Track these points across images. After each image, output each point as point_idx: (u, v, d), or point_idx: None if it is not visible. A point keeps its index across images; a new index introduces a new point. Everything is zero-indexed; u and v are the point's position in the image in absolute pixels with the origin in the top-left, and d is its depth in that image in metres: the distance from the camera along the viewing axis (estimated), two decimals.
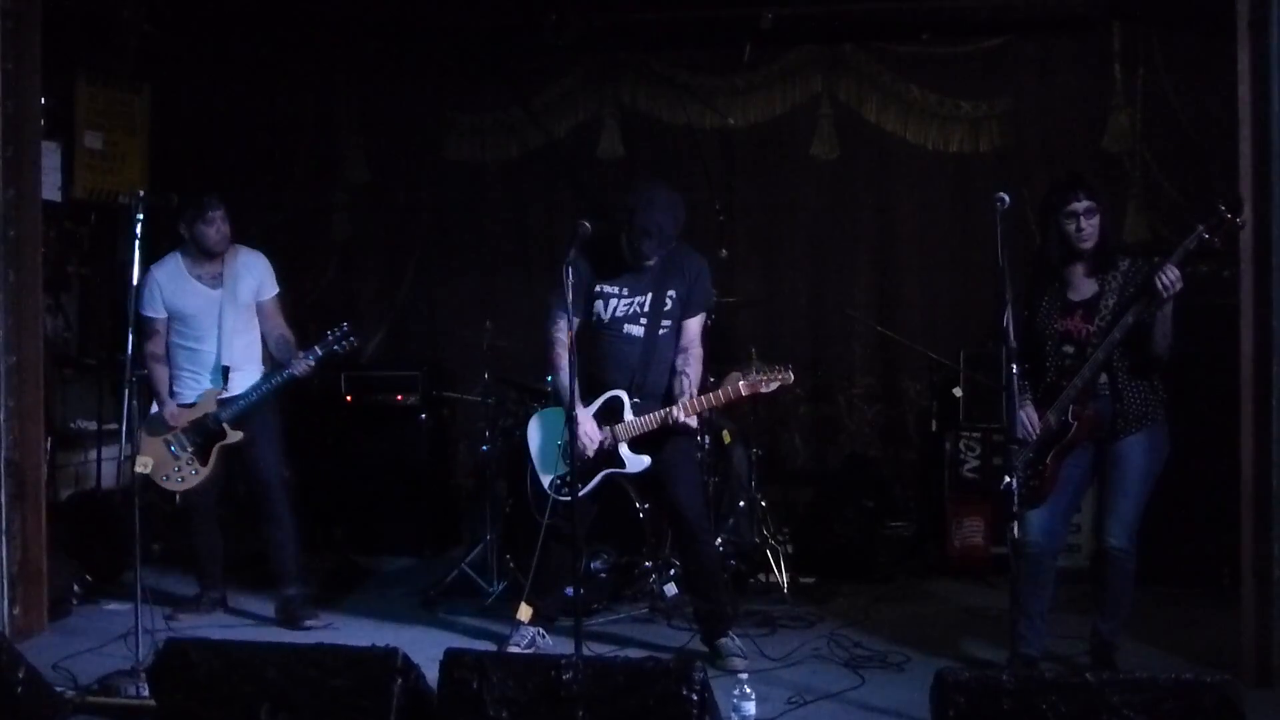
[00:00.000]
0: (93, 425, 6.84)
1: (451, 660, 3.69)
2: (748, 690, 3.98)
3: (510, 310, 6.76)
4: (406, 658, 3.70)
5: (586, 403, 4.83)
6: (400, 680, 3.62)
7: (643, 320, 4.86)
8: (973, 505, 6.45)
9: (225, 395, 5.49)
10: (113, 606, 5.77)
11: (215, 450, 5.48)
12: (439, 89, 7.69)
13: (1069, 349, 4.50)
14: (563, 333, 4.72)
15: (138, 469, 4.83)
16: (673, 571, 5.67)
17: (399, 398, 7.07)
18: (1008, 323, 4.15)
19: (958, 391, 6.55)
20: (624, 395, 4.85)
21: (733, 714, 3.91)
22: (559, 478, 4.89)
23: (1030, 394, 4.55)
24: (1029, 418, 4.49)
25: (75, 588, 5.76)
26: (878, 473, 6.99)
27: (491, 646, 5.06)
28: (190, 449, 5.48)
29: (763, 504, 6.24)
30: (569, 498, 4.63)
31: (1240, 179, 4.57)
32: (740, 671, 4.47)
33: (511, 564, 5.70)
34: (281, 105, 7.66)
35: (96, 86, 6.99)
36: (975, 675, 3.57)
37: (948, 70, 7.20)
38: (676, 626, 5.45)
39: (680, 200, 4.82)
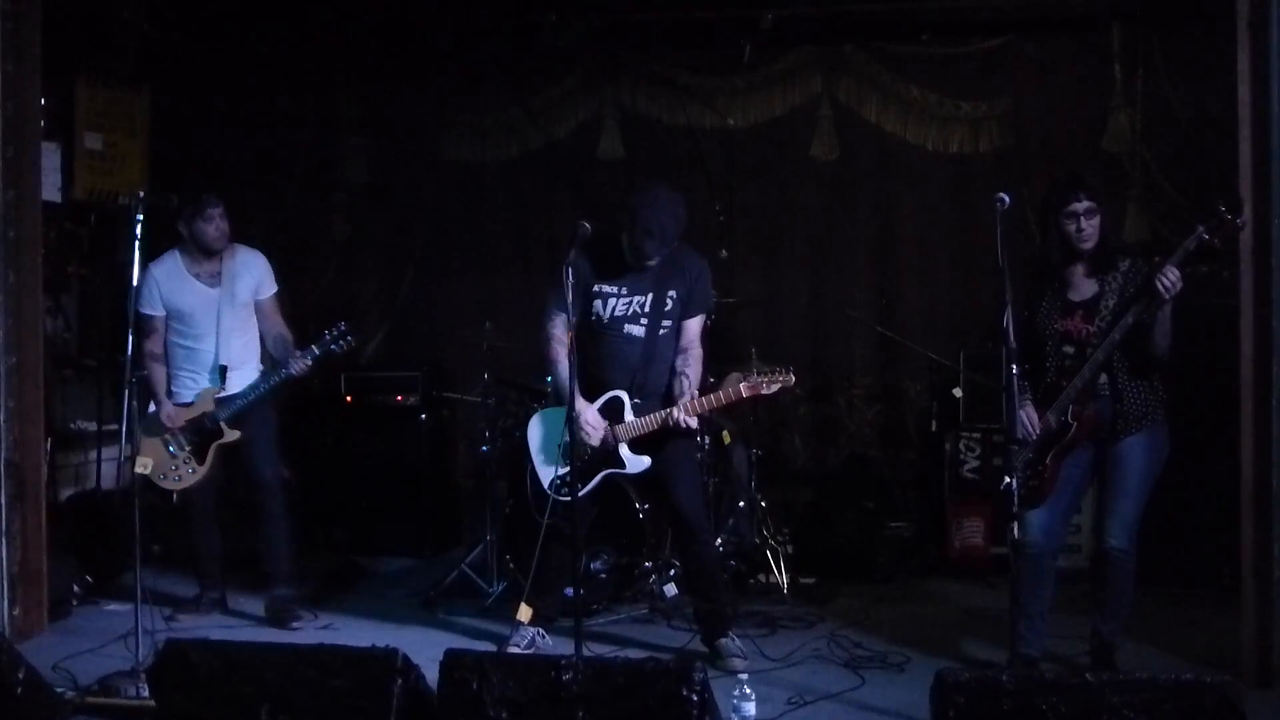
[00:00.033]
0: (93, 426, 6.84)
1: (451, 661, 3.69)
2: (748, 691, 3.98)
3: (510, 311, 6.75)
4: (406, 658, 3.70)
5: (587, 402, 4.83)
6: (400, 681, 3.62)
7: (643, 320, 4.86)
8: (973, 506, 6.45)
9: (223, 395, 5.50)
10: (113, 607, 5.78)
11: (212, 449, 5.49)
12: (439, 89, 7.69)
13: (1069, 349, 4.50)
14: (559, 328, 4.76)
15: (138, 470, 4.84)
16: (673, 572, 5.68)
17: (399, 398, 7.08)
18: (1008, 323, 4.15)
19: (958, 392, 6.55)
20: (624, 396, 4.85)
21: (733, 714, 3.91)
22: (559, 478, 4.89)
23: (1030, 394, 4.55)
24: (1029, 418, 4.49)
25: (75, 588, 5.76)
26: (878, 473, 7.00)
27: (491, 647, 5.06)
28: (188, 448, 5.49)
29: (763, 504, 6.24)
30: (569, 498, 4.63)
31: (1240, 179, 4.57)
32: (740, 672, 4.47)
33: (511, 564, 5.70)
34: (281, 105, 7.65)
35: (96, 87, 6.98)
36: (975, 676, 3.57)
37: (948, 71, 7.20)
38: (676, 627, 5.45)
39: (682, 200, 4.82)
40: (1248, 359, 4.55)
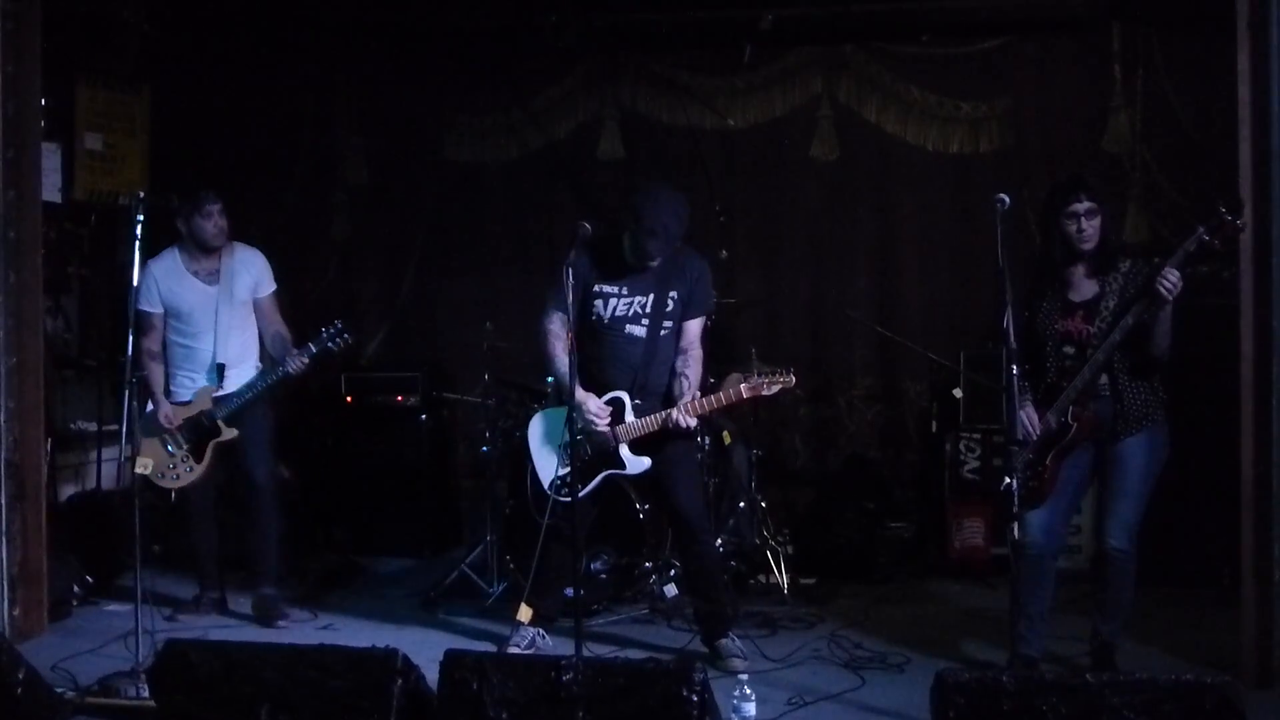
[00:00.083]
0: (93, 426, 6.84)
1: (451, 661, 3.69)
2: (748, 691, 3.98)
3: (510, 311, 6.76)
4: (406, 659, 3.70)
5: None
6: (400, 681, 3.62)
7: (644, 321, 4.86)
8: (973, 506, 6.45)
9: (220, 393, 5.50)
10: (113, 607, 5.78)
11: (210, 447, 5.49)
12: (439, 89, 7.69)
13: (1069, 350, 4.50)
14: (556, 325, 4.77)
15: (137, 470, 4.85)
16: (673, 572, 5.68)
17: (399, 398, 7.07)
18: (1008, 323, 4.16)
19: (958, 393, 6.55)
20: (625, 397, 4.85)
21: (733, 715, 3.91)
22: (559, 478, 4.89)
23: (1030, 395, 4.54)
24: (1029, 418, 4.49)
25: (75, 589, 5.77)
26: (878, 474, 7.00)
27: (491, 647, 5.06)
28: (185, 446, 5.49)
29: (763, 505, 6.23)
30: (569, 498, 4.63)
31: (1240, 180, 4.57)
32: (740, 672, 4.47)
33: (511, 565, 5.69)
34: (281, 105, 7.65)
35: (96, 87, 6.99)
36: (975, 676, 3.57)
37: (947, 71, 7.20)
38: (676, 627, 5.45)
39: (684, 201, 4.83)
40: (1248, 359, 4.55)
